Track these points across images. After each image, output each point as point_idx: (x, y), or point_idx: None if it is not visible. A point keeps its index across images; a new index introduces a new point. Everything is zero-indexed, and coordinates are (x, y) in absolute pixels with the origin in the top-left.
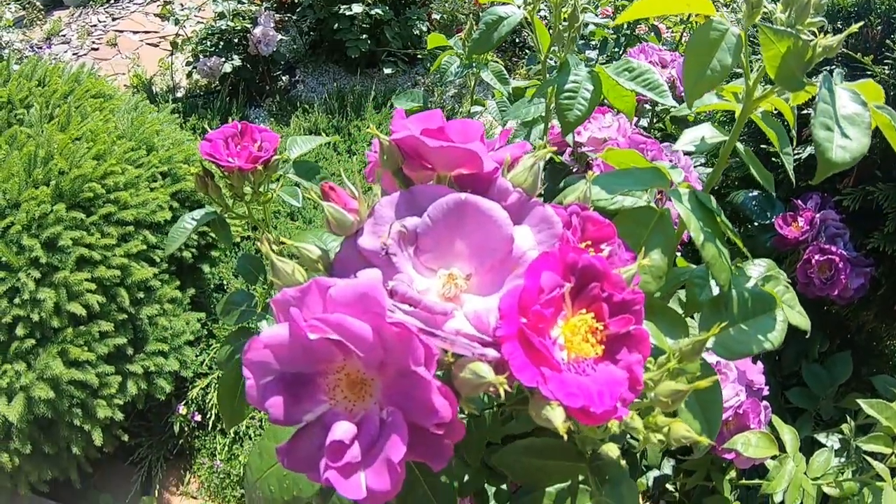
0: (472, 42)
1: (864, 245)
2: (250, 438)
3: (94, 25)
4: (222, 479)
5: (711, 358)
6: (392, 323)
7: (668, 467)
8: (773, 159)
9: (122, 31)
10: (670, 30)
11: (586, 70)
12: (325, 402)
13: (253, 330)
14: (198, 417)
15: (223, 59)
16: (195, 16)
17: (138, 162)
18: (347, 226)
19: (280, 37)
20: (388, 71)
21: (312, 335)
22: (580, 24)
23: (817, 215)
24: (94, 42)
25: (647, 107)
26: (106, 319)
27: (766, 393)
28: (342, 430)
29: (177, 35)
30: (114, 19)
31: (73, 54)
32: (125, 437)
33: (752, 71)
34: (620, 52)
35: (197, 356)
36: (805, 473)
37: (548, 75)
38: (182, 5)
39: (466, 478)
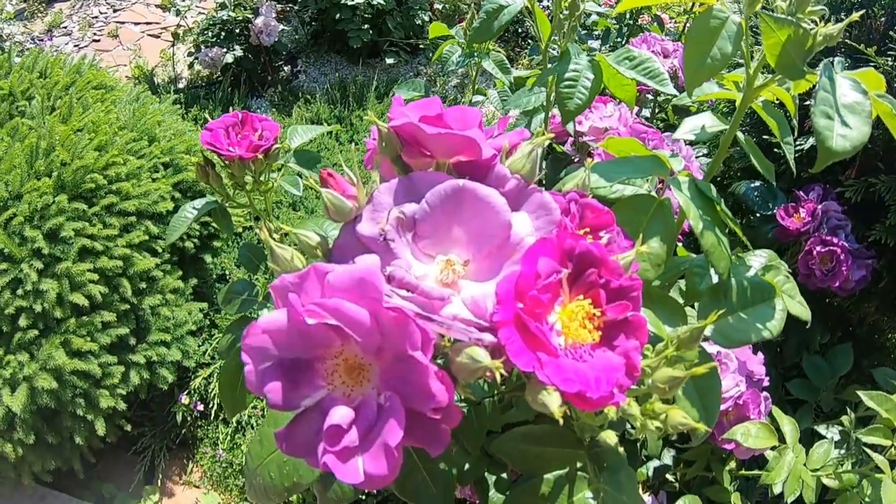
0: (473, 31)
1: (866, 237)
2: (252, 428)
3: (96, 17)
4: (225, 468)
5: (712, 348)
6: (389, 308)
7: (668, 457)
8: (776, 150)
9: (123, 23)
10: (673, 20)
11: (587, 59)
12: (324, 387)
13: (254, 319)
14: (200, 407)
15: (225, 50)
16: (196, 6)
17: (140, 153)
18: (346, 212)
19: (282, 27)
20: (390, 61)
21: (310, 320)
22: (581, 12)
23: (819, 206)
24: (95, 33)
25: (650, 97)
26: (108, 310)
27: (766, 384)
28: (340, 414)
29: (178, 26)
30: (115, 10)
31: (75, 46)
32: (128, 427)
33: (752, 59)
34: (623, 43)
35: (199, 346)
36: (805, 465)
37: (549, 64)
38: None
39: (467, 466)
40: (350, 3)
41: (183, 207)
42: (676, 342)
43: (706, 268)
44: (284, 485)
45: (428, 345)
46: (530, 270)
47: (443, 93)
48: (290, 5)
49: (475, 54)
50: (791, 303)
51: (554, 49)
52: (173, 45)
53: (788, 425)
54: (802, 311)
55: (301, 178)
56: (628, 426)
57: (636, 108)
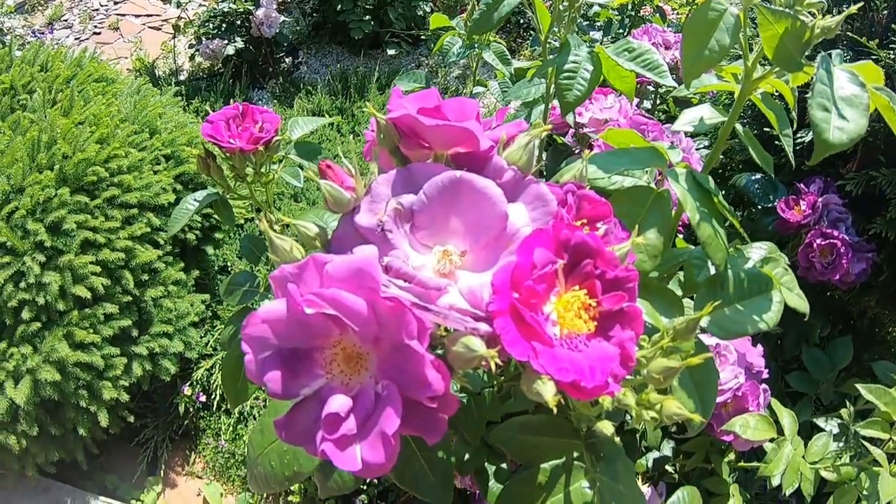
0: (473, 22)
1: (867, 230)
2: (254, 419)
3: (96, 9)
4: (227, 458)
5: (711, 340)
6: (386, 297)
7: (667, 449)
8: (776, 143)
9: (124, 15)
10: (675, 11)
11: (586, 50)
12: (322, 376)
13: (255, 310)
14: (202, 398)
15: (226, 42)
16: None
17: (141, 145)
18: (344, 203)
19: (283, 18)
20: (391, 52)
21: (308, 310)
22: (581, 3)
23: (820, 199)
24: (96, 26)
25: (651, 88)
26: (111, 302)
27: (765, 376)
28: (338, 403)
29: (179, 18)
30: (115, 3)
31: (76, 39)
32: (131, 419)
33: (751, 51)
34: (625, 34)
35: (201, 337)
36: (803, 457)
37: (549, 56)
38: None
39: (467, 456)
40: None
41: (184, 199)
42: (672, 333)
43: (704, 259)
44: (285, 474)
45: (424, 334)
46: (526, 261)
47: (444, 84)
48: None
49: (476, 45)
50: (789, 295)
51: (554, 40)
52: (174, 37)
53: (787, 418)
54: (801, 303)
55: (302, 169)
56: (627, 416)
57: (637, 100)
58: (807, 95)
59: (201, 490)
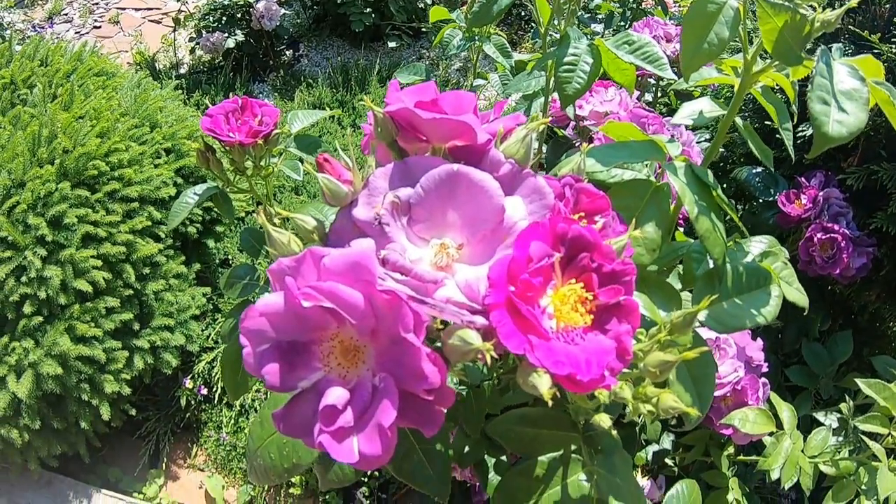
0: (472, 15)
1: (868, 225)
2: (255, 411)
3: (96, 3)
4: (228, 451)
5: (711, 333)
6: (383, 291)
7: (667, 442)
8: (777, 136)
9: (124, 9)
10: (677, 4)
11: (586, 43)
12: (320, 368)
13: (255, 302)
14: (204, 391)
15: (226, 35)
16: None
17: (142, 139)
18: (342, 196)
19: (283, 11)
20: (392, 45)
21: (306, 303)
22: None
23: (821, 193)
24: (96, 20)
25: (652, 81)
26: (112, 295)
27: (765, 370)
28: (335, 395)
29: (179, 11)
30: None
31: (76, 33)
32: (133, 412)
33: (751, 44)
34: (626, 27)
35: (203, 330)
36: (802, 451)
37: (549, 48)
38: None
39: (466, 449)
40: None
41: (184, 193)
42: (669, 326)
43: (704, 253)
44: (284, 466)
45: (420, 327)
46: (522, 254)
47: (445, 76)
48: None
49: (476, 38)
50: (789, 289)
51: (554, 33)
52: (174, 31)
53: (787, 412)
54: (800, 297)
55: (301, 162)
56: (626, 409)
57: (638, 93)
58: (807, 89)
59: (203, 482)
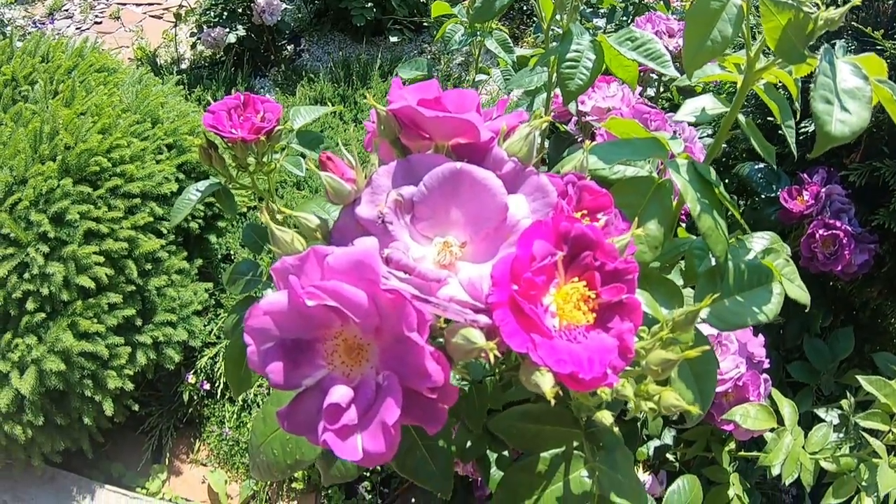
0: (475, 10)
1: (869, 221)
2: (258, 406)
3: None
4: (231, 446)
5: (712, 329)
6: (386, 290)
7: (668, 437)
8: (780, 132)
9: (124, 4)
10: None
11: (588, 39)
12: (324, 367)
13: (258, 299)
14: (206, 386)
15: (227, 30)
16: None
17: (144, 135)
18: (345, 195)
19: (284, 6)
20: (394, 39)
21: (310, 302)
22: None
23: (823, 190)
24: (97, 16)
25: (654, 76)
26: (115, 291)
27: (766, 366)
28: (339, 393)
29: (180, 6)
30: None
31: (77, 29)
32: (136, 407)
33: (754, 41)
34: (629, 21)
35: (205, 326)
36: (803, 447)
37: (551, 44)
38: None
39: (469, 444)
40: None
41: (186, 190)
42: (671, 324)
43: (706, 250)
44: (287, 462)
45: (424, 326)
46: (525, 253)
47: (447, 71)
48: None
49: (478, 33)
50: (790, 286)
51: (556, 28)
52: (175, 26)
53: (788, 408)
54: (802, 294)
55: (304, 158)
56: (627, 404)
57: (640, 88)
58: (810, 85)
59: (206, 477)
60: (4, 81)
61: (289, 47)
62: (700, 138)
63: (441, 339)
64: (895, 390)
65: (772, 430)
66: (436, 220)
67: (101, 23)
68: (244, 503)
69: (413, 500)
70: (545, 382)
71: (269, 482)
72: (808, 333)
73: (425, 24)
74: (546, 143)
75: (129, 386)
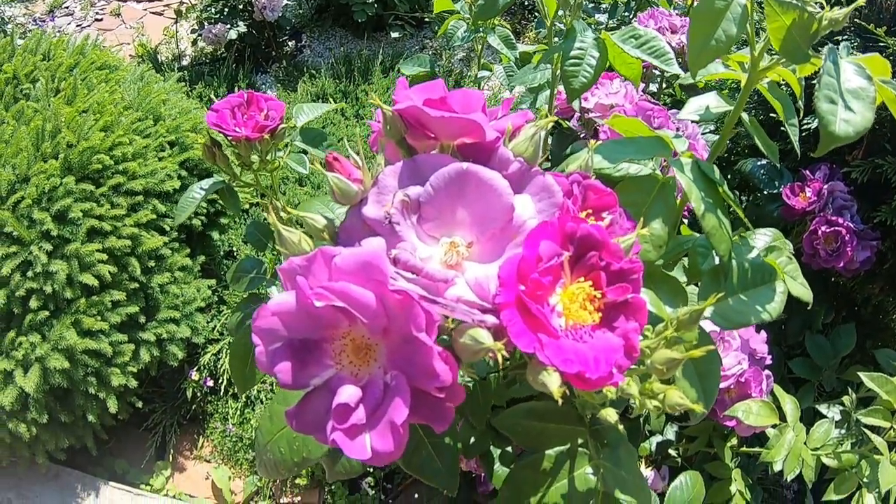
0: (478, 8)
1: (872, 218)
2: (262, 402)
3: None
4: (235, 442)
5: (714, 326)
6: (394, 290)
7: (670, 433)
8: (782, 129)
9: (125, 1)
10: None
11: (592, 36)
12: (332, 366)
13: (263, 296)
14: (210, 383)
15: (228, 26)
16: None
17: (146, 132)
18: (352, 195)
19: (285, 2)
20: (395, 35)
21: (318, 303)
22: None
23: (825, 186)
24: (97, 13)
25: (656, 72)
26: (118, 289)
27: (769, 362)
28: (348, 393)
29: (181, 3)
30: None
31: (77, 26)
32: (139, 404)
33: (758, 40)
34: (631, 16)
35: (208, 322)
36: (805, 443)
37: (554, 39)
38: None
39: (472, 440)
40: None
41: (190, 188)
42: (676, 324)
43: (709, 247)
44: (294, 460)
45: (432, 326)
46: (532, 254)
47: (448, 66)
48: None
49: (481, 30)
50: (793, 284)
51: (559, 24)
52: (176, 23)
53: (790, 404)
54: (804, 292)
55: (305, 153)
56: (631, 402)
57: (642, 84)
58: (814, 81)
59: (210, 474)
60: (6, 79)
61: (290, 43)
62: (702, 134)
63: (444, 337)
64: None
65: (774, 426)
66: (442, 220)
67: (101, 20)
68: (248, 499)
69: (416, 495)
70: (552, 382)
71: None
72: (809, 330)
73: (427, 19)
74: (549, 140)
75: (133, 383)
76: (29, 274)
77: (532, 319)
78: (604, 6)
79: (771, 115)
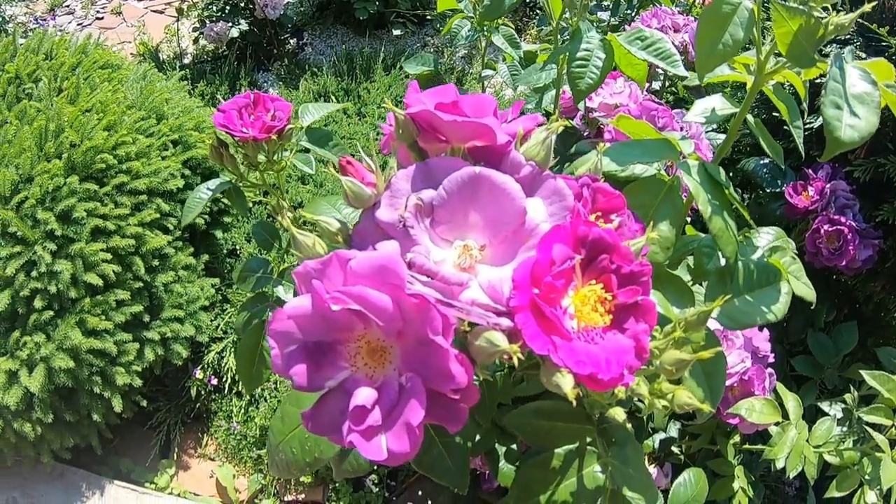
0: (484, 8)
1: (874, 217)
2: (265, 401)
3: None
4: (239, 440)
5: (719, 324)
6: (411, 294)
7: (674, 430)
8: (785, 128)
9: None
10: None
11: (598, 38)
12: (347, 368)
13: (269, 295)
14: (214, 381)
15: (230, 24)
16: None
17: (149, 131)
18: (365, 199)
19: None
20: (397, 32)
21: (335, 307)
22: None
23: (828, 185)
24: (98, 11)
25: (659, 70)
26: (122, 288)
27: (771, 360)
28: (364, 395)
29: (182, 1)
30: None
31: (78, 24)
32: (144, 403)
33: (764, 43)
34: (633, 14)
35: (212, 321)
36: (807, 441)
37: (559, 37)
38: None
39: (478, 438)
40: None
41: (197, 188)
42: (684, 325)
43: (714, 248)
44: (306, 460)
45: (448, 329)
46: (545, 257)
47: (450, 64)
48: None
49: (485, 28)
50: (797, 284)
51: (564, 24)
52: (177, 21)
53: (792, 402)
54: (808, 292)
55: (307, 152)
56: (636, 400)
57: (647, 83)
58: (818, 81)
59: (214, 472)
60: (8, 79)
61: (291, 41)
62: (706, 132)
63: (460, 340)
64: None
65: (776, 423)
66: (455, 223)
67: (102, 18)
68: (253, 497)
69: (420, 492)
70: (566, 383)
71: (277, 476)
72: (812, 328)
73: (428, 16)
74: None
75: (138, 382)
76: (33, 274)
77: (546, 322)
78: (606, 3)
79: (774, 114)
